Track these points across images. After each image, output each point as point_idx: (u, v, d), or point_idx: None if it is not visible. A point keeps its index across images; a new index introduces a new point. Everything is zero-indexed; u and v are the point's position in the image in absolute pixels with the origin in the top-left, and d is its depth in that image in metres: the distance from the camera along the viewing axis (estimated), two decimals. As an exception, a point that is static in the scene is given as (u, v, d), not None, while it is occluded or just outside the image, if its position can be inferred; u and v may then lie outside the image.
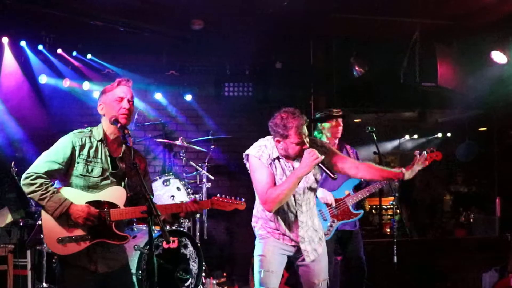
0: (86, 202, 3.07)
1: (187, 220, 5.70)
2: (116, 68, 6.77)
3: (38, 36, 6.28)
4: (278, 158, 3.54)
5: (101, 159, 3.16)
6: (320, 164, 3.32)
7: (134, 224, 5.24)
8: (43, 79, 6.36)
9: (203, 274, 5.19)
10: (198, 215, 6.00)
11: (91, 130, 3.22)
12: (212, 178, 6.08)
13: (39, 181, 3.02)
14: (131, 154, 3.19)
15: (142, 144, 7.03)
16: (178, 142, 5.99)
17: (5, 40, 6.07)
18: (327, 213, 4.55)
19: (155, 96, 7.09)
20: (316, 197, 4.50)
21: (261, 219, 3.66)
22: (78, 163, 3.10)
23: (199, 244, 5.21)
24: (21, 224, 5.22)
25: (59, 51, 6.42)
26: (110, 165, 3.19)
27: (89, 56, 6.63)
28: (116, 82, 3.23)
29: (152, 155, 7.15)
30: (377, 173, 3.62)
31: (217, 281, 5.88)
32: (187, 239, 5.07)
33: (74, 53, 6.56)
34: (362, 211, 4.66)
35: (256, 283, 3.58)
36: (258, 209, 3.69)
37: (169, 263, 4.85)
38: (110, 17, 5.84)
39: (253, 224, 3.74)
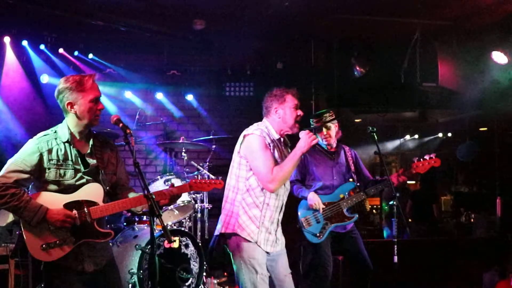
0: (64, 204, 2.95)
1: (189, 220, 5.71)
2: (118, 67, 6.80)
3: (40, 36, 6.31)
4: (277, 140, 3.59)
5: (72, 160, 3.03)
6: (317, 145, 3.58)
7: (136, 223, 5.25)
8: (44, 78, 6.39)
9: (204, 273, 5.20)
10: (199, 215, 6.02)
11: (55, 131, 3.08)
12: (213, 177, 6.07)
13: (10, 191, 2.87)
14: (102, 147, 3.17)
15: (143, 144, 7.04)
16: (179, 142, 6.01)
17: (7, 39, 6.10)
18: (320, 215, 4.56)
19: (157, 96, 7.10)
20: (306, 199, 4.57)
21: (245, 210, 3.50)
22: (49, 169, 2.97)
23: (200, 244, 5.21)
24: (22, 223, 5.22)
25: (61, 50, 6.46)
26: (81, 165, 3.06)
27: (90, 55, 6.66)
28: (89, 79, 3.04)
29: (153, 155, 7.17)
30: None
31: (218, 280, 5.88)
32: (188, 239, 5.07)
33: (76, 53, 6.59)
34: (356, 215, 4.66)
35: None
36: (241, 198, 3.55)
37: (170, 263, 4.85)
38: (112, 17, 5.87)
39: (232, 214, 3.56)
